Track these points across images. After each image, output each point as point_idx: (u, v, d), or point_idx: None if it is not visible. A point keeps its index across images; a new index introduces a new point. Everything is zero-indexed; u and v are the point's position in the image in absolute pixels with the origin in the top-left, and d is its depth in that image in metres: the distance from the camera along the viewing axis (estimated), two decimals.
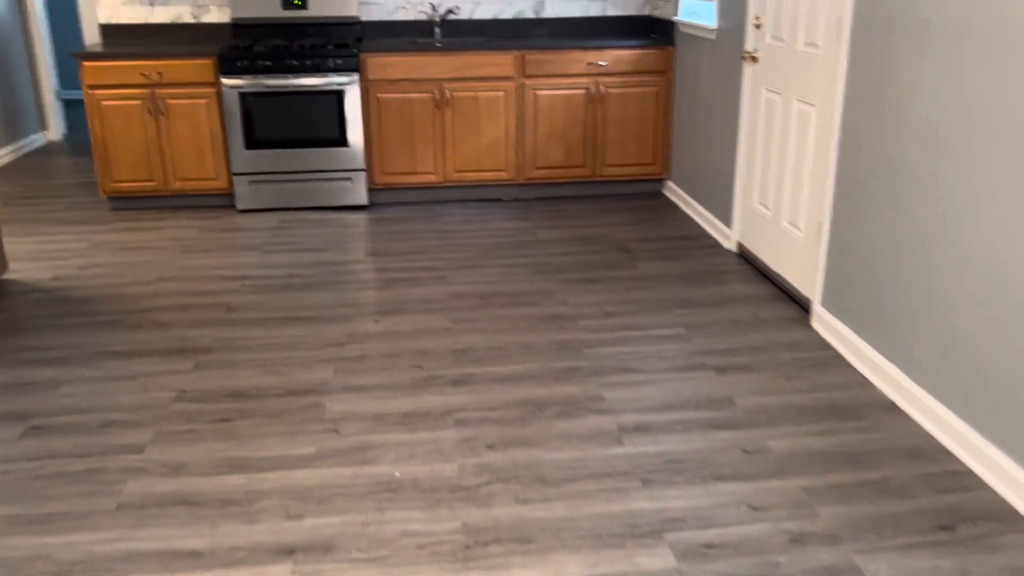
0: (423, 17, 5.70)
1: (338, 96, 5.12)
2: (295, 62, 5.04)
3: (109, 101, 5.06)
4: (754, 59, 4.04)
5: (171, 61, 5.03)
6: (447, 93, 5.24)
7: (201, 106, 5.11)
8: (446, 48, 5.17)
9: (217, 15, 5.56)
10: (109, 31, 5.52)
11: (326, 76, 5.07)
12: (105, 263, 4.37)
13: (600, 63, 5.28)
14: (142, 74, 5.03)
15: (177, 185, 5.24)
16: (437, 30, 5.64)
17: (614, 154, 5.46)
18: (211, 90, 5.08)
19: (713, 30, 4.58)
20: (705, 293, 3.90)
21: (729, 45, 4.40)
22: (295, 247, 4.61)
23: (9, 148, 6.80)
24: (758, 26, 3.99)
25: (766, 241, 4.03)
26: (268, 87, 5.04)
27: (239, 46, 5.07)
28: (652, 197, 5.53)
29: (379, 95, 5.21)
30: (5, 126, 6.79)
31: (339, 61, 5.06)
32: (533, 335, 3.48)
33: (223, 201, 5.39)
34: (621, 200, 5.47)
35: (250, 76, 5.02)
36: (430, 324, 3.60)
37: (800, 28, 3.60)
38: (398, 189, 5.47)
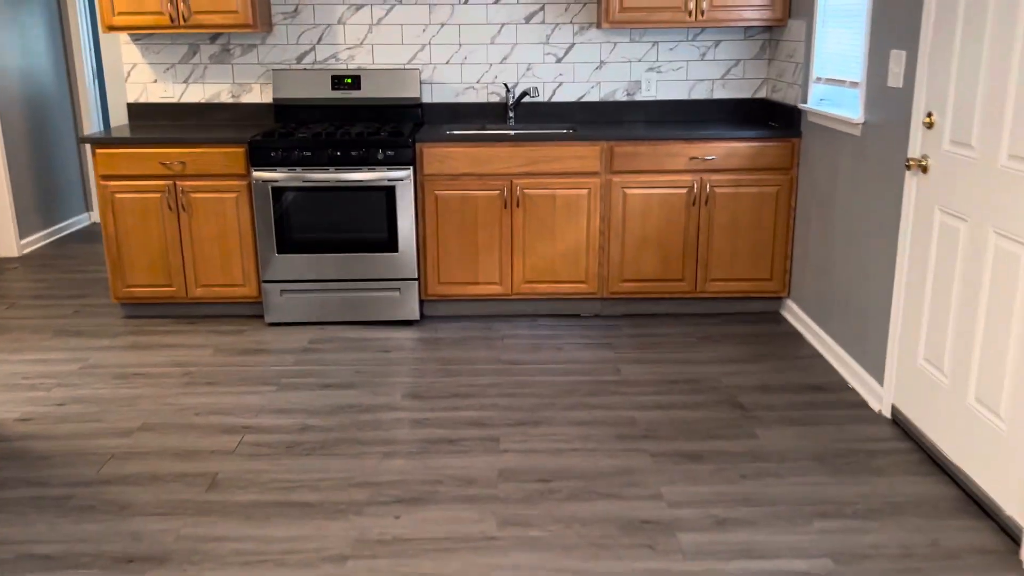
0: (495, 99, 4.86)
1: (388, 193, 4.28)
2: (338, 153, 4.23)
3: (124, 194, 4.35)
4: (923, 168, 3.00)
5: (196, 148, 4.29)
6: (518, 190, 4.34)
7: (229, 201, 4.35)
8: (519, 138, 4.29)
9: (259, 95, 4.84)
10: (138, 112, 4.86)
11: (375, 170, 4.25)
12: (89, 398, 3.57)
13: (707, 157, 4.31)
14: (162, 163, 4.30)
15: (199, 292, 4.46)
16: (511, 114, 4.78)
17: (721, 266, 4.45)
18: (241, 183, 4.32)
19: (857, 124, 3.56)
20: (855, 490, 2.81)
21: (883, 145, 3.38)
22: (320, 381, 3.72)
23: (46, 231, 6.22)
24: (930, 125, 2.96)
25: (940, 418, 2.93)
26: (306, 181, 4.24)
27: (274, 132, 4.30)
28: (768, 320, 4.48)
29: (437, 192, 4.34)
30: (45, 208, 6.22)
31: (390, 152, 4.23)
32: (611, 560, 2.47)
33: (251, 311, 4.58)
34: (729, 322, 4.43)
35: (285, 168, 4.24)
36: (467, 527, 2.63)
37: (1004, 133, 2.55)
38: (456, 301, 4.57)
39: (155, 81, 4.81)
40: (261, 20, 4.50)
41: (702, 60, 4.80)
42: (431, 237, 4.41)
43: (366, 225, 4.32)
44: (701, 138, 4.29)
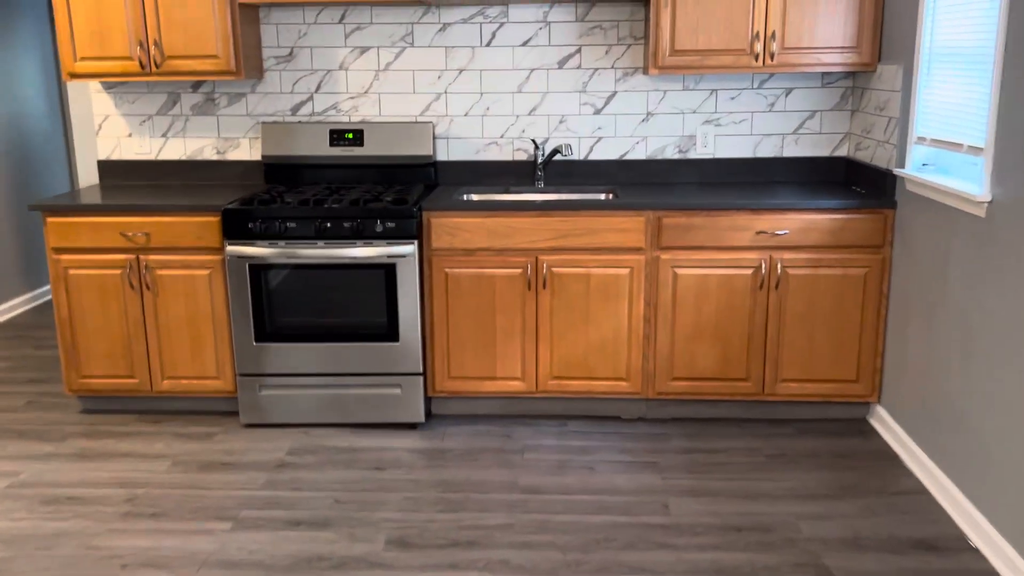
0: (522, 156, 4.12)
1: (388, 271, 3.55)
2: (328, 224, 3.52)
3: (79, 269, 3.68)
4: None
5: (162, 217, 3.62)
6: (545, 268, 3.58)
7: (201, 279, 3.66)
8: (548, 205, 3.54)
9: (248, 151, 4.18)
10: (110, 170, 4.22)
11: (372, 244, 3.52)
12: (1, 534, 2.87)
13: (777, 232, 3.51)
14: (123, 234, 3.63)
15: (166, 385, 3.76)
16: (540, 174, 4.04)
17: (795, 364, 3.62)
18: (216, 258, 3.63)
19: (981, 202, 2.74)
20: None
21: (1019, 232, 2.55)
22: (289, 515, 2.97)
23: (30, 295, 5.63)
24: None
25: None
26: (290, 258, 3.53)
27: (253, 199, 3.61)
28: (853, 431, 3.62)
29: (448, 269, 3.61)
30: (29, 270, 5.63)
31: (390, 224, 3.51)
32: None
33: (226, 406, 3.87)
34: (805, 434, 3.59)
35: (266, 242, 3.54)
36: None
37: None
38: (468, 398, 3.80)
39: (130, 135, 4.17)
40: (247, 66, 3.83)
41: (770, 111, 4.01)
42: (440, 323, 3.67)
43: (362, 309, 3.59)
44: (771, 207, 3.49)
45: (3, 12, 5.39)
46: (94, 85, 4.13)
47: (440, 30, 3.99)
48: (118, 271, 3.66)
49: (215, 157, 4.18)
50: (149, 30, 3.71)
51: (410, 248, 3.52)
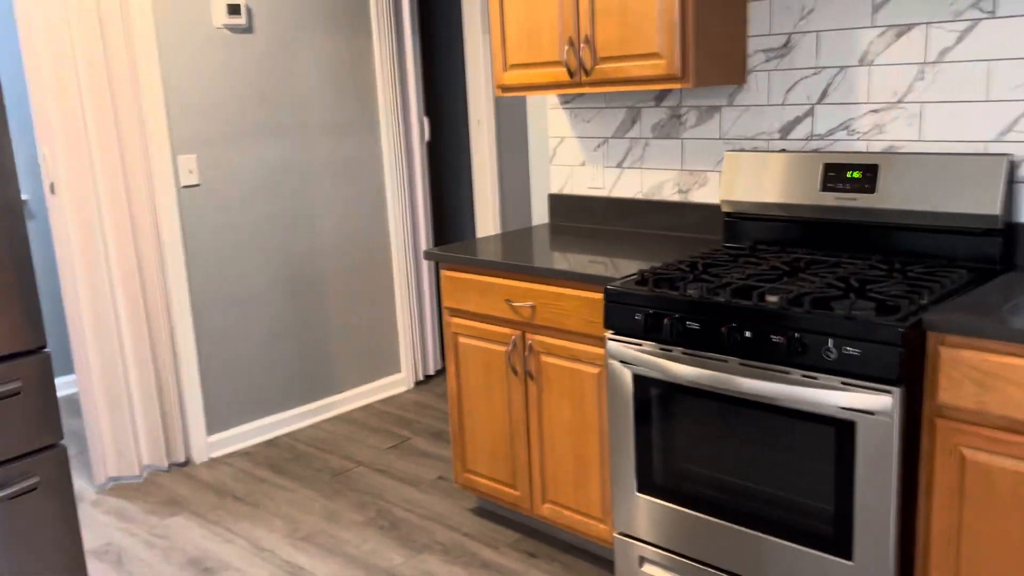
0: None
1: (841, 433, 1.95)
2: (746, 332, 2.06)
3: (467, 338, 2.89)
4: None
5: (548, 286, 2.60)
6: None
7: (587, 379, 2.55)
8: None
9: (716, 190, 2.87)
10: (560, 206, 3.34)
11: (813, 380, 1.96)
12: None
13: None
14: (508, 302, 2.72)
15: (546, 511, 2.76)
16: None
17: None
18: (603, 352, 2.48)
19: None
20: None
21: None
22: None
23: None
24: None
25: None
26: (678, 377, 2.18)
27: (655, 273, 2.34)
28: None
29: (967, 450, 1.84)
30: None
31: (850, 349, 1.89)
32: None
33: (610, 557, 2.69)
34: None
35: (654, 345, 2.25)
36: None
37: None
38: None
39: (583, 164, 3.23)
40: (708, 67, 2.54)
41: None
42: (942, 545, 1.91)
43: (791, 485, 2.06)
44: None
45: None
46: (551, 100, 3.29)
47: None
48: (502, 348, 2.77)
49: (676, 197, 2.98)
50: (581, 23, 2.69)
51: (885, 400, 1.86)
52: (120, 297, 3.41)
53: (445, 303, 2.93)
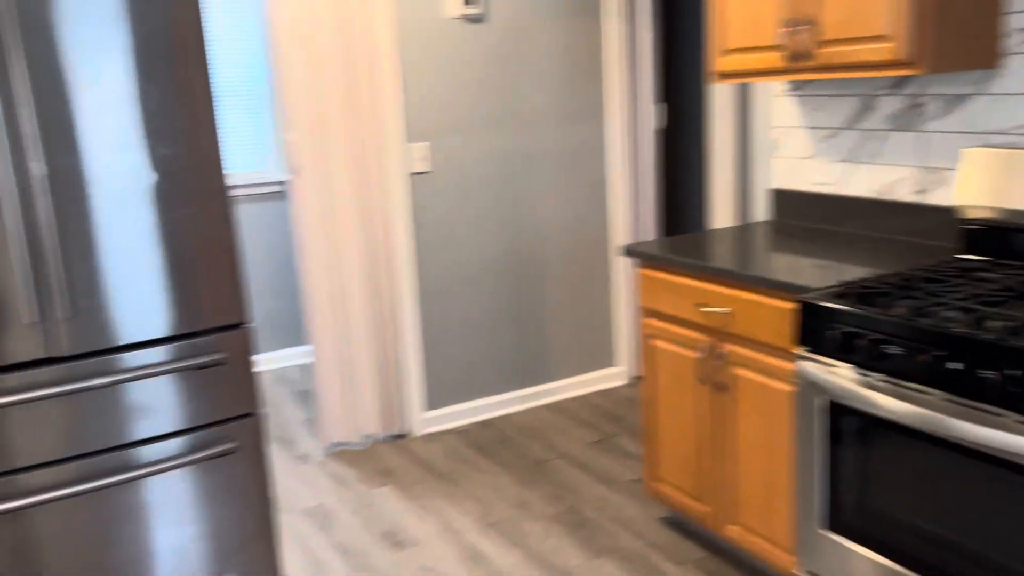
0: None
1: None
2: (952, 364, 1.75)
3: (660, 341, 2.74)
4: None
5: (743, 292, 2.38)
6: None
7: (779, 397, 2.31)
8: None
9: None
10: (782, 202, 3.05)
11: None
12: None
13: None
14: (700, 306, 2.53)
15: (732, 532, 2.56)
16: None
17: None
18: (794, 368, 2.23)
19: None
20: None
21: None
22: None
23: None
24: None
25: None
26: (876, 407, 1.89)
27: (863, 286, 2.05)
28: None
29: None
30: None
31: None
32: None
33: None
34: None
35: (850, 367, 1.98)
36: None
37: None
38: None
39: (811, 156, 2.93)
40: (938, 52, 2.19)
41: None
42: None
43: (1008, 547, 1.73)
44: None
45: None
46: (776, 87, 3.01)
47: None
48: (694, 355, 2.60)
49: (912, 198, 2.61)
50: (804, 3, 2.43)
51: None
52: (352, 275, 3.64)
53: (640, 302, 2.80)
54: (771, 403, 2.35)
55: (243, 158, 4.80)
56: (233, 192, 4.73)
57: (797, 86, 2.94)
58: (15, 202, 1.89)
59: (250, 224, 4.81)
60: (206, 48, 2.08)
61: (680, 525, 2.93)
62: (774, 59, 2.54)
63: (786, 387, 2.29)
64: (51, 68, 1.86)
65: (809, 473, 2.15)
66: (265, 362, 4.94)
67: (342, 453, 3.70)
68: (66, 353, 2.01)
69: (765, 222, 3.07)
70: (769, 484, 2.40)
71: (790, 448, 2.30)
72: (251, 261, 4.82)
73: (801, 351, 2.12)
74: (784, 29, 2.48)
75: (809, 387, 2.10)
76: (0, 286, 1.90)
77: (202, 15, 2.04)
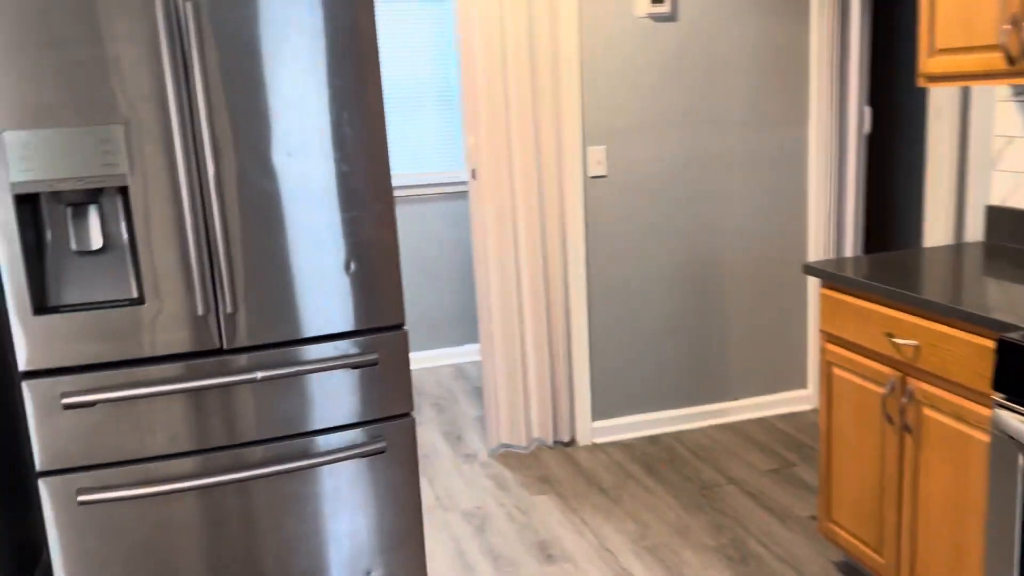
0: None
1: None
2: None
3: (841, 370, 2.49)
4: None
5: (935, 323, 2.10)
6: None
7: (974, 446, 2.02)
8: None
9: None
10: (1002, 221, 2.67)
11: None
12: None
13: None
14: (889, 336, 2.26)
15: None
16: None
17: None
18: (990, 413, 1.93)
19: None
20: None
21: None
22: None
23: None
24: None
25: None
26: None
27: None
28: None
29: None
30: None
31: None
32: None
33: None
34: None
35: None
36: None
37: None
38: None
39: None
40: None
41: None
42: None
43: None
44: None
45: None
46: (1000, 92, 2.64)
47: None
48: (878, 389, 2.33)
49: None
50: None
51: None
52: (525, 278, 3.61)
53: (822, 326, 2.56)
54: (964, 452, 2.06)
55: (438, 157, 4.90)
56: (426, 190, 4.85)
57: (1021, 91, 2.57)
58: (197, 202, 1.99)
59: (442, 220, 4.91)
60: (378, 52, 2.11)
61: (856, 572, 2.66)
62: (994, 60, 2.22)
63: (982, 436, 2.00)
64: (242, 75, 1.94)
65: (1006, 539, 1.86)
66: (446, 356, 5.03)
67: (507, 455, 3.68)
68: (239, 345, 2.10)
69: (978, 243, 2.72)
70: (956, 544, 2.11)
71: (984, 506, 2.01)
72: (440, 256, 4.92)
73: (998, 397, 1.84)
74: (1007, 26, 2.16)
75: (1007, 440, 1.81)
76: (181, 281, 2.01)
77: (375, 20, 2.07)
